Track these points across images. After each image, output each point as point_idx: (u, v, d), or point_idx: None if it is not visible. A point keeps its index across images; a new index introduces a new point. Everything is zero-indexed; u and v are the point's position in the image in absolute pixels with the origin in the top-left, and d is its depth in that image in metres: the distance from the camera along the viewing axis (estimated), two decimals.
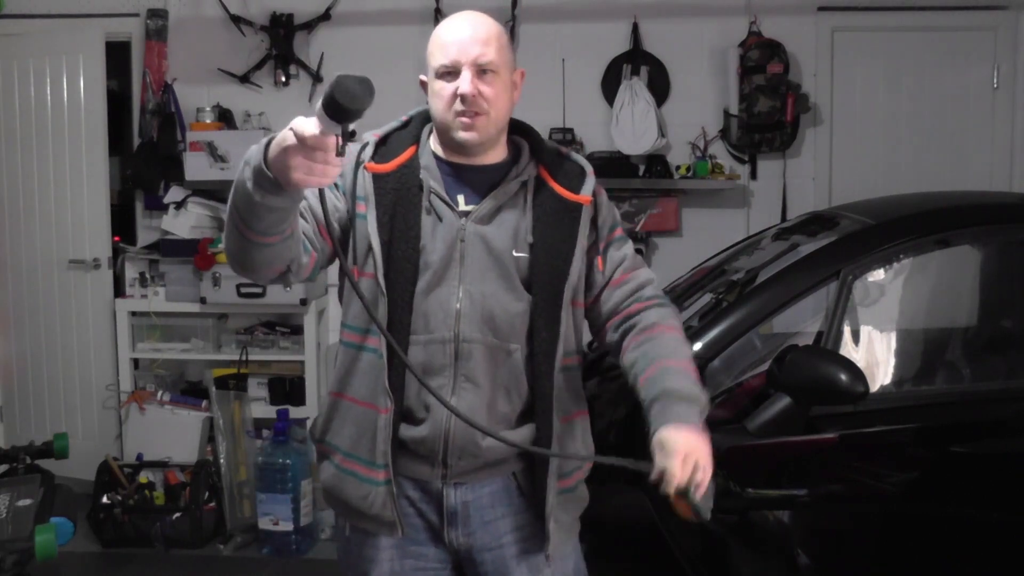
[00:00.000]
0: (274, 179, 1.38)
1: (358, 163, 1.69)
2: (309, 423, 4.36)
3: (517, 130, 1.78)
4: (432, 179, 1.69)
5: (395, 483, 1.66)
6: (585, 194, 1.72)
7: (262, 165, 1.40)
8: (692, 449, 1.52)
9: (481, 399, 1.65)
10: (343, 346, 1.74)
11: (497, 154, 1.73)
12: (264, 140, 1.43)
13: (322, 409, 1.80)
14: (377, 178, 1.67)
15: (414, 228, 1.65)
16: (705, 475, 1.51)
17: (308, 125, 1.32)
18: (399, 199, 1.66)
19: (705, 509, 1.53)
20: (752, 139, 4.37)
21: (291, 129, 1.34)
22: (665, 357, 1.66)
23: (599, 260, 1.73)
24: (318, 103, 1.31)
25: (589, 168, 1.77)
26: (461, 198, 1.69)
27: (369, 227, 1.65)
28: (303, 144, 1.33)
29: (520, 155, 1.75)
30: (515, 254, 1.67)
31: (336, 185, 1.68)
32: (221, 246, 4.21)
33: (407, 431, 1.67)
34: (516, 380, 1.68)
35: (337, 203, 1.68)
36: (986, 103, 4.52)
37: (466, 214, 1.68)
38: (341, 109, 1.27)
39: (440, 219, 1.67)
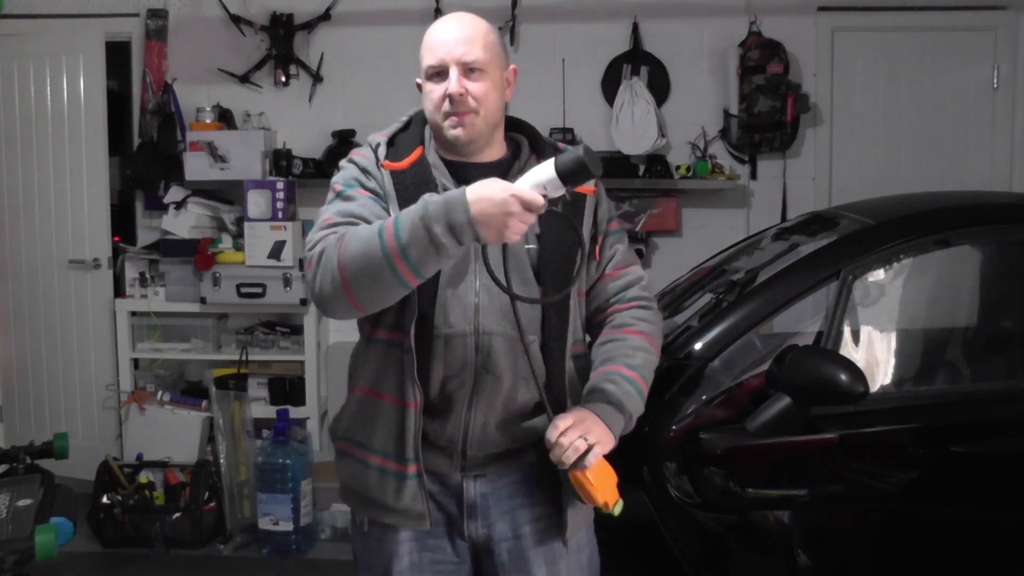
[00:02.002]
0: (475, 233, 1.47)
1: (378, 163, 1.71)
2: (329, 421, 4.37)
3: (514, 127, 1.80)
4: (443, 177, 1.71)
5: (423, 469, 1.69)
6: (589, 184, 1.73)
7: (471, 223, 1.46)
8: (581, 421, 1.61)
9: (501, 391, 1.68)
10: (373, 344, 1.72)
11: (495, 151, 1.75)
12: (454, 197, 1.48)
13: (345, 407, 1.80)
14: (395, 175, 1.69)
15: None
16: (593, 448, 1.59)
17: (532, 194, 1.47)
18: (419, 195, 1.67)
19: (605, 498, 1.60)
20: (752, 139, 4.38)
21: (515, 196, 1.46)
22: (619, 359, 1.74)
23: (596, 251, 1.77)
24: (550, 167, 1.49)
25: None
26: None
27: None
28: (529, 209, 1.47)
29: (520, 151, 1.78)
30: (526, 246, 1.70)
31: (377, 194, 1.69)
32: (221, 246, 4.27)
33: (429, 424, 1.69)
34: (534, 371, 1.70)
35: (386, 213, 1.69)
36: (986, 103, 4.52)
37: None
38: (582, 173, 1.48)
39: None
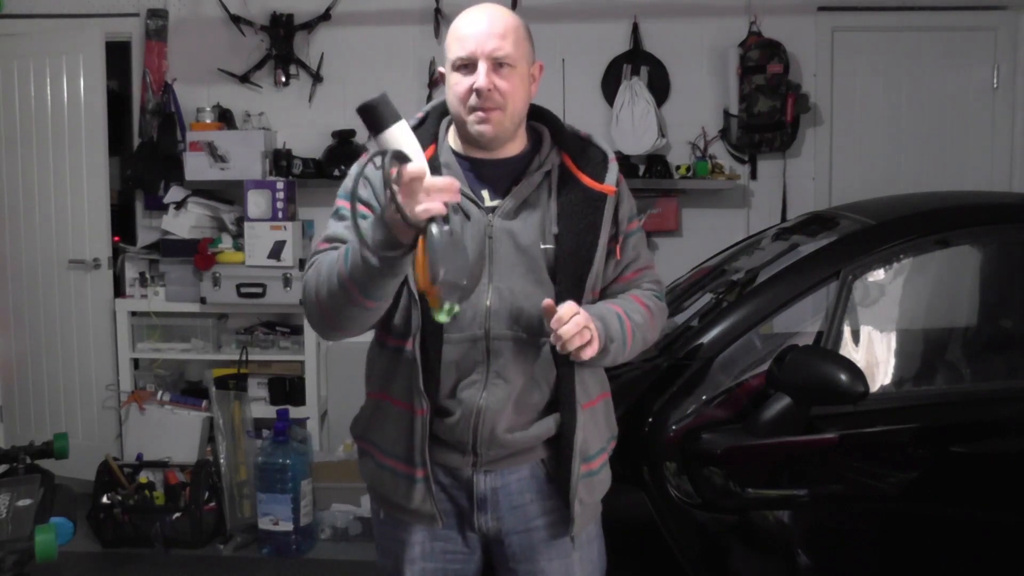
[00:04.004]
0: (391, 236, 1.41)
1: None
2: (329, 421, 4.37)
3: (535, 116, 1.78)
4: (455, 177, 1.69)
5: (430, 473, 1.70)
6: (609, 184, 1.73)
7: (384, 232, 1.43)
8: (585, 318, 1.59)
9: (509, 394, 1.67)
10: (382, 348, 1.75)
11: (516, 145, 1.73)
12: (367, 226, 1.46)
13: (363, 408, 1.84)
14: None
15: None
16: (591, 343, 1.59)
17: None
18: None
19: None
20: (752, 139, 4.38)
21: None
22: (618, 304, 1.73)
23: (618, 250, 1.76)
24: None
25: (611, 154, 1.78)
26: (486, 193, 1.70)
27: None
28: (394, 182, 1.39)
29: (541, 143, 1.75)
30: (542, 246, 1.69)
31: (371, 205, 1.68)
32: (221, 246, 4.27)
33: (440, 425, 1.70)
34: (546, 372, 1.71)
35: None
36: (986, 103, 4.52)
37: (492, 210, 1.68)
38: (367, 122, 1.40)
39: (468, 217, 1.67)
